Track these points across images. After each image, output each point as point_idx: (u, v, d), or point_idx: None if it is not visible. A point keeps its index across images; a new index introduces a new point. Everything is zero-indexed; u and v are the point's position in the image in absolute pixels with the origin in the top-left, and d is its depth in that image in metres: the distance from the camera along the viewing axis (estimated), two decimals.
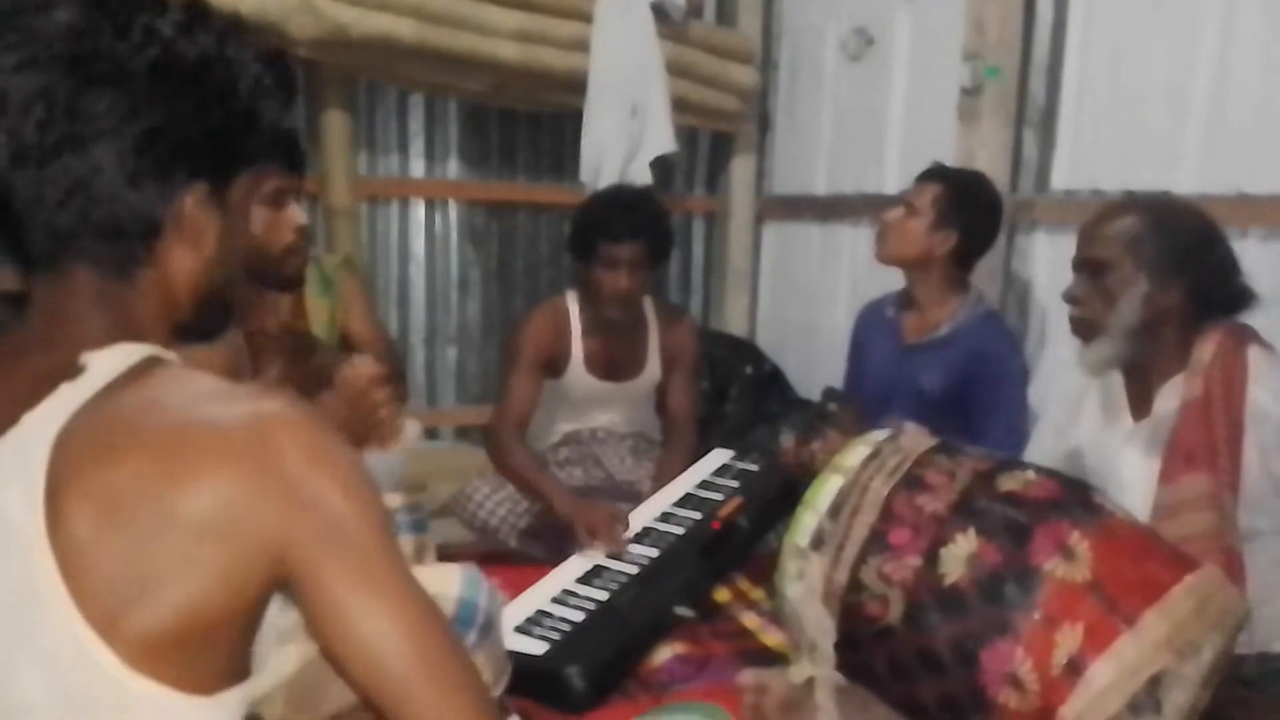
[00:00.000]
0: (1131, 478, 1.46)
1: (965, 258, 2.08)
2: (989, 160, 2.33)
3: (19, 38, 0.66)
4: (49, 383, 0.66)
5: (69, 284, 0.71)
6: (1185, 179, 1.97)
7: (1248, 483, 1.35)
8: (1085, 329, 1.52)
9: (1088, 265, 1.50)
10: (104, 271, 0.71)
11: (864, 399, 2.18)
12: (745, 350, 3.21)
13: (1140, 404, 1.51)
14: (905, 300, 2.16)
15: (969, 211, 2.04)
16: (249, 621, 0.68)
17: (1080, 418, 1.62)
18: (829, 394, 2.75)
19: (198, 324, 0.78)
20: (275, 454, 0.65)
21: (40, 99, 0.65)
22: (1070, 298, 1.55)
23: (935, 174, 2.10)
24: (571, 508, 1.94)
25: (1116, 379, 1.55)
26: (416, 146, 2.96)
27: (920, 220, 2.04)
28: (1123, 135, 2.15)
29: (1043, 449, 1.66)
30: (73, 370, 0.66)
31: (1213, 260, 1.45)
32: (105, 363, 0.67)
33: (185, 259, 0.74)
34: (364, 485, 0.69)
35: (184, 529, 0.63)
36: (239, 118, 0.73)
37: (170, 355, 0.71)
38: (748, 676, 1.33)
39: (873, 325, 2.24)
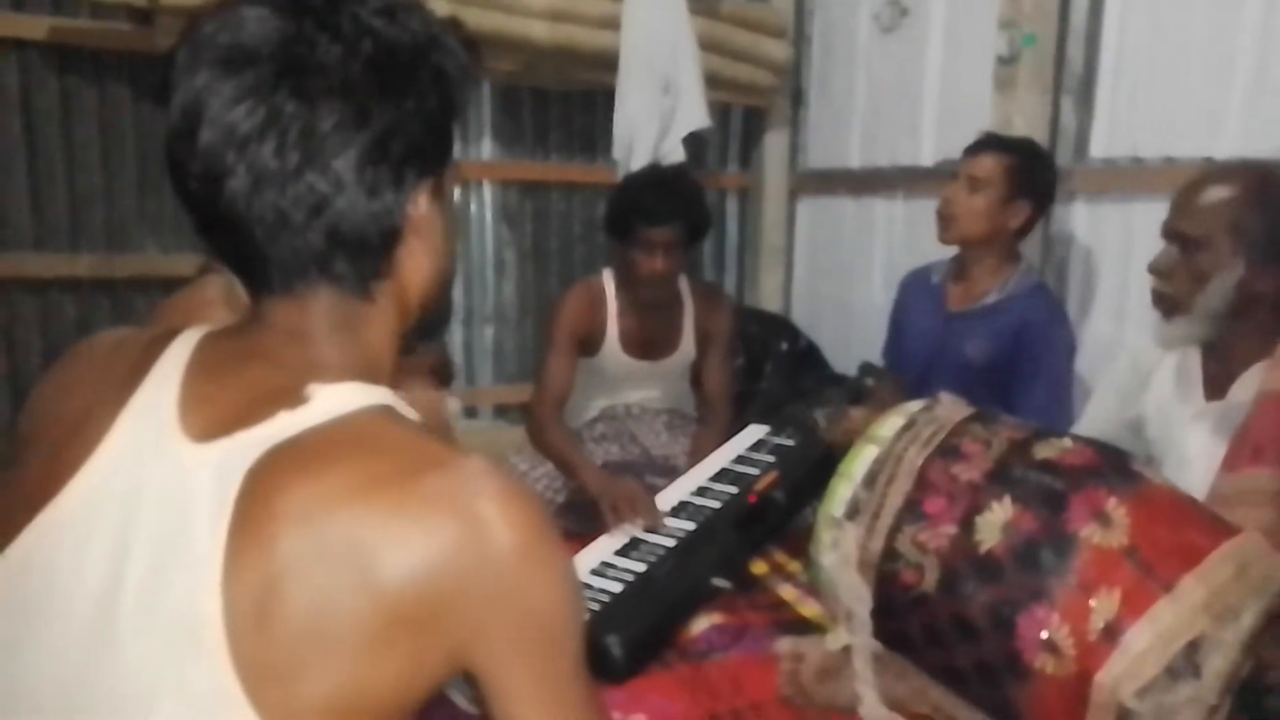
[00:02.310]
0: (1196, 456, 1.39)
1: (1029, 227, 2.04)
2: (1026, 130, 2.29)
3: (234, 62, 0.62)
4: (270, 404, 0.63)
5: (306, 307, 0.68)
6: (1227, 147, 1.93)
7: None
8: (1167, 304, 1.42)
9: (1178, 238, 1.39)
10: (346, 290, 0.68)
11: (905, 367, 2.16)
12: (780, 326, 3.21)
13: (1217, 384, 1.43)
14: (955, 270, 2.12)
15: (1040, 179, 2.01)
16: (411, 708, 0.62)
17: (1150, 386, 1.54)
18: (866, 369, 2.74)
19: (425, 324, 0.75)
20: (491, 535, 0.60)
21: (273, 124, 0.62)
22: (1155, 270, 1.43)
23: (992, 144, 2.04)
24: (599, 487, 1.96)
25: (1194, 354, 1.47)
26: None
27: (988, 194, 1.99)
28: (1163, 102, 2.11)
29: (1103, 411, 1.61)
30: (296, 399, 0.63)
31: None
32: (333, 401, 0.63)
33: (420, 262, 0.71)
34: (575, 583, 0.65)
35: (380, 595, 0.57)
36: (453, 105, 0.70)
37: (400, 404, 0.67)
38: (785, 645, 1.34)
39: (916, 292, 2.22)
